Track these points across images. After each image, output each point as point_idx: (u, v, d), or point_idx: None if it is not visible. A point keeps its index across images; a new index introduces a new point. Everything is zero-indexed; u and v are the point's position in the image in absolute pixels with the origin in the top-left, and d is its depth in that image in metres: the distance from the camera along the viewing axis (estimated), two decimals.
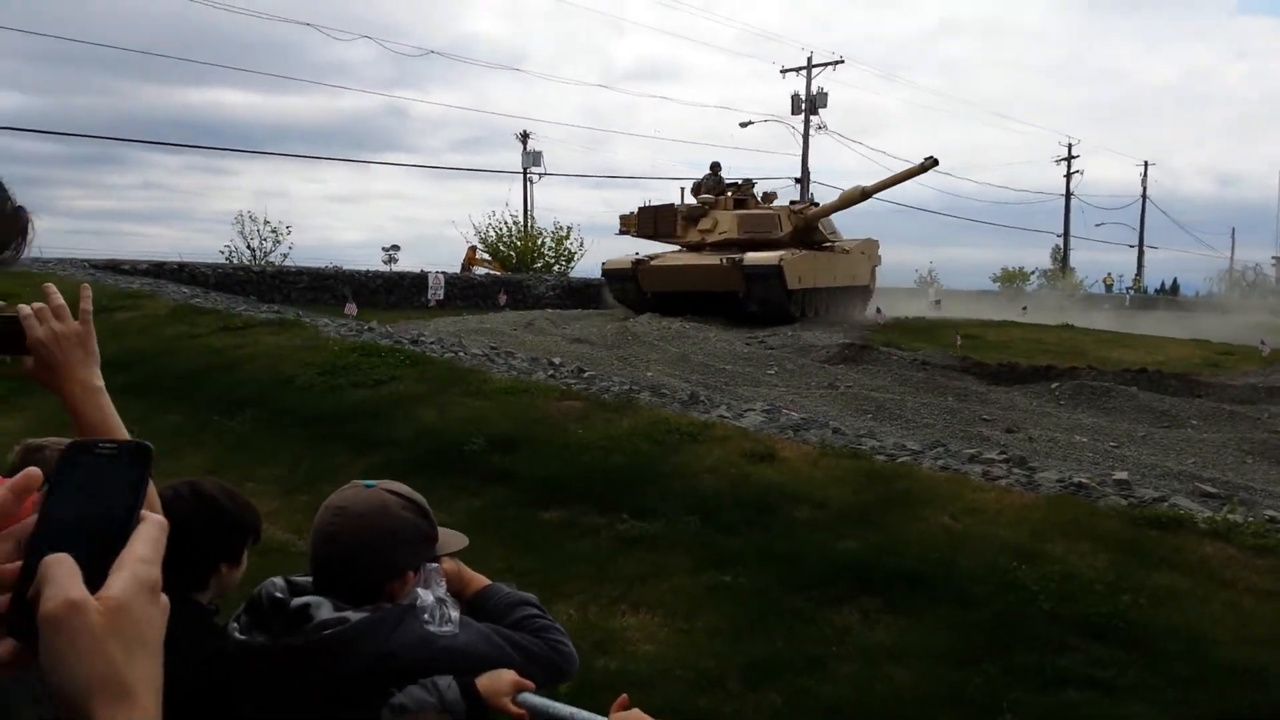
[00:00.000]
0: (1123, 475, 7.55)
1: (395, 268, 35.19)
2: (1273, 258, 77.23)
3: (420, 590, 1.96)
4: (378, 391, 8.78)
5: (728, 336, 17.12)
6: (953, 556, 5.14)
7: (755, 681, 4.31)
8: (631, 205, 25.01)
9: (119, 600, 0.69)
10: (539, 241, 37.98)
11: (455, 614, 1.95)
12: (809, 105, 41.77)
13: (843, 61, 42.60)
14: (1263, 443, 10.54)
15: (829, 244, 23.86)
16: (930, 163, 20.55)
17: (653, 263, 21.41)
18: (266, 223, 34.96)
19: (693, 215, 22.89)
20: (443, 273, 25.69)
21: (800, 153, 42.12)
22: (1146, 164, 61.99)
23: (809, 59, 42.15)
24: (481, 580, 2.16)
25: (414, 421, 7.92)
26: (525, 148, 45.50)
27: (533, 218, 42.95)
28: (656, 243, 23.85)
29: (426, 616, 1.91)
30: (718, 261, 20.67)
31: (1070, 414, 11.93)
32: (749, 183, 24.86)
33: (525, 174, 45.16)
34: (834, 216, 24.51)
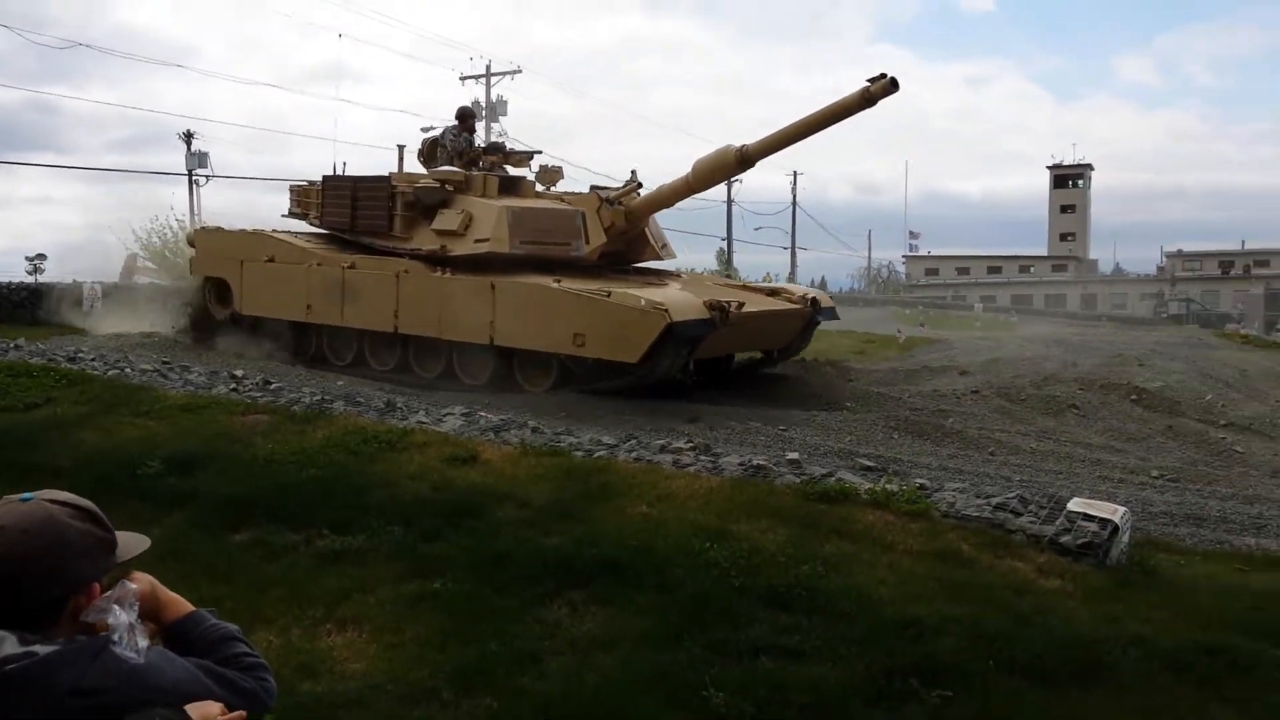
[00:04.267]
0: (794, 455, 8.20)
1: (42, 278, 31.80)
2: (903, 257, 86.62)
3: (115, 607, 1.83)
4: (30, 415, 7.92)
5: None
6: (651, 542, 5.37)
7: (469, 686, 4.29)
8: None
9: None
10: None
11: (144, 642, 1.84)
12: (489, 113, 41.99)
13: (521, 71, 43.23)
14: (905, 419, 11.78)
15: (654, 262, 14.94)
16: (883, 86, 11.25)
17: (744, 309, 12.19)
18: None
19: (426, 201, 13.39)
20: (99, 283, 23.48)
21: None
22: (795, 173, 67.18)
23: (488, 67, 42.40)
24: (182, 605, 2.02)
25: (76, 446, 7.21)
26: (190, 148, 42.49)
27: (201, 221, 40.22)
28: (354, 241, 14.54)
29: (116, 637, 1.78)
30: (794, 305, 13.65)
31: (744, 403, 12.76)
32: (508, 150, 15.10)
33: (191, 176, 42.18)
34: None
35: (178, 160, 44.05)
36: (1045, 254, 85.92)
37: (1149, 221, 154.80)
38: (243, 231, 15.61)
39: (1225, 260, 78.61)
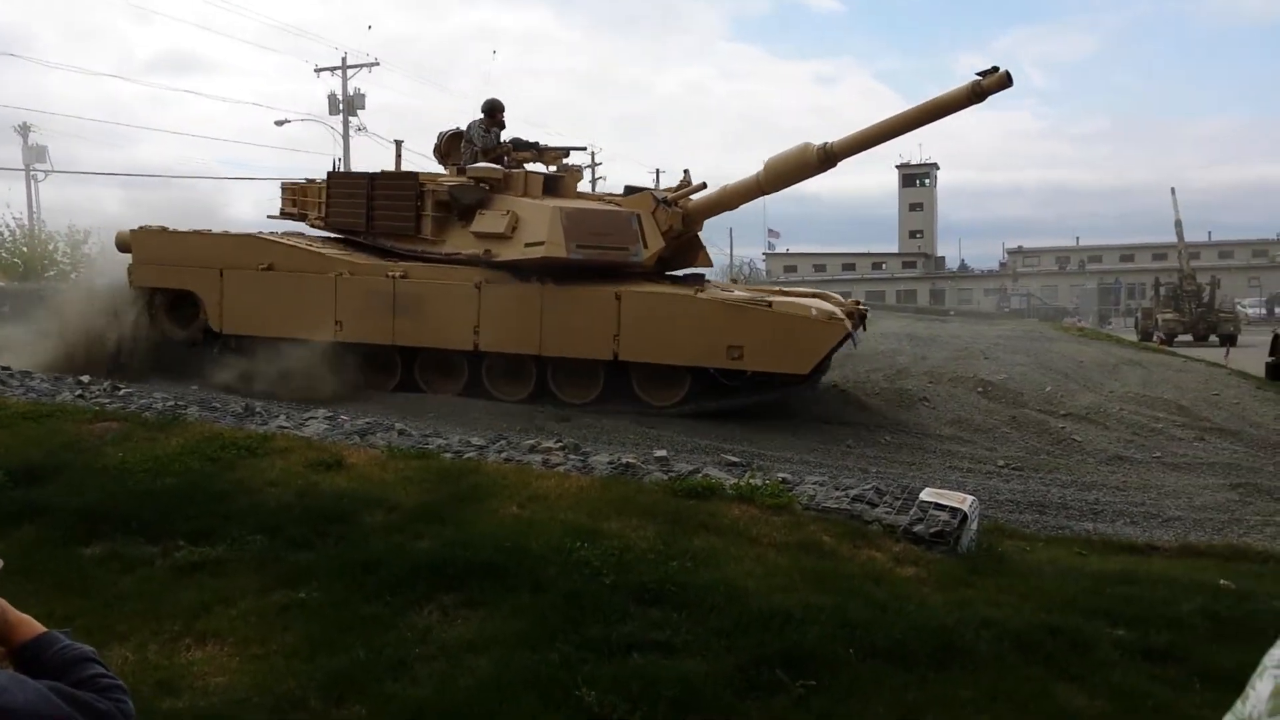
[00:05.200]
0: (662, 453, 8.33)
1: None
2: (763, 254, 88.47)
3: None
4: None
5: None
6: (523, 543, 5.38)
7: (338, 696, 4.22)
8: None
9: None
10: (50, 246, 33.85)
11: None
12: (347, 105, 41.04)
13: (379, 64, 42.43)
14: (768, 414, 12.10)
15: (702, 271, 14.07)
16: (998, 79, 10.63)
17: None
18: None
19: (464, 201, 12.33)
20: None
21: (342, 154, 41.32)
22: (658, 171, 67.67)
23: (344, 59, 41.43)
24: (33, 626, 1.95)
25: None
26: (26, 142, 40.22)
27: (41, 220, 38.16)
28: (364, 245, 13.32)
29: None
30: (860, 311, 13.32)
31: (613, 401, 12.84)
32: (542, 146, 13.46)
33: (28, 171, 39.94)
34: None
35: (12, 155, 41.79)
36: (896, 251, 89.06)
37: (990, 219, 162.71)
38: (217, 234, 13.50)
39: (1062, 256, 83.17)
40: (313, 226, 14.11)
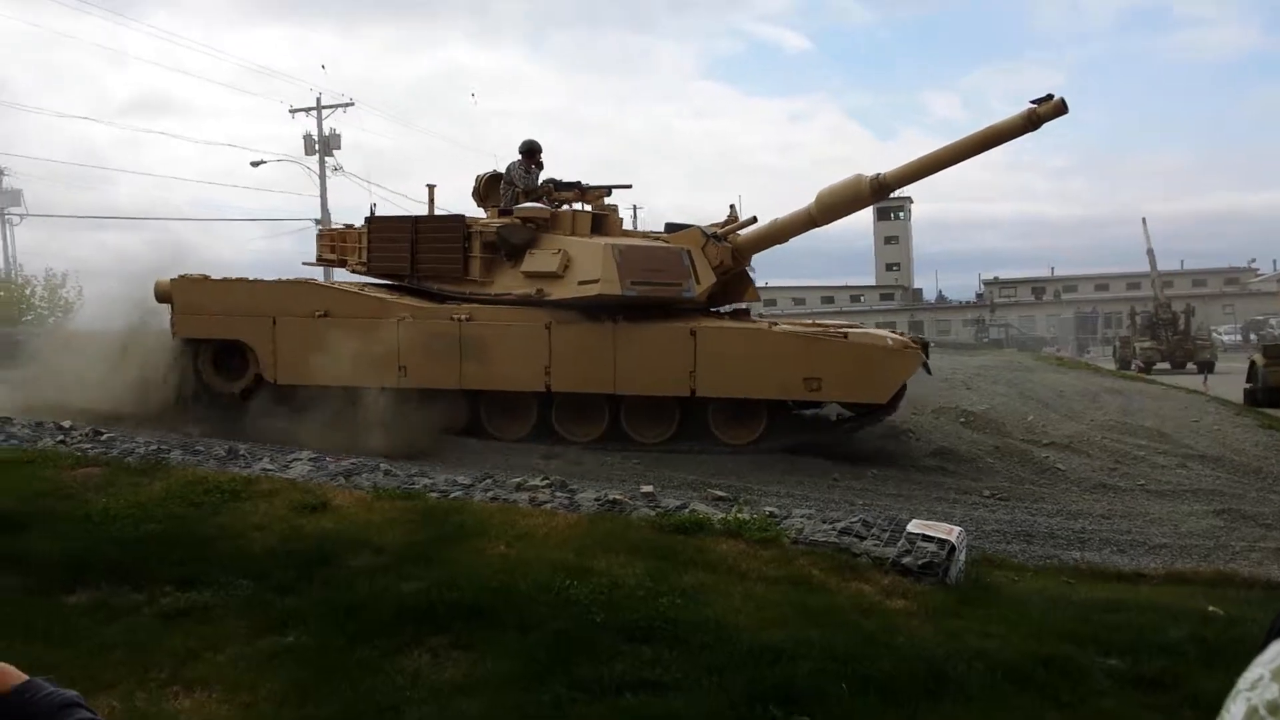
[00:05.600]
0: (649, 488, 8.34)
1: None
2: None
3: None
4: None
5: None
6: (511, 582, 5.36)
7: None
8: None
9: None
10: (27, 290, 33.66)
11: None
12: (322, 146, 41.19)
13: (353, 104, 42.69)
14: (752, 449, 12.11)
15: (747, 307, 14.22)
16: (1053, 107, 10.77)
17: None
18: None
19: (513, 242, 12.25)
20: None
21: (319, 194, 41.45)
22: (635, 207, 67.63)
23: (318, 99, 41.61)
24: (15, 675, 1.93)
25: None
26: (0, 185, 40.12)
27: (18, 264, 38.04)
28: (405, 287, 13.10)
29: None
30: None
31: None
32: (584, 186, 13.18)
33: (2, 215, 39.83)
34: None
35: None
36: (874, 284, 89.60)
37: (966, 250, 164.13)
38: (265, 280, 13.04)
39: (1038, 286, 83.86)
40: (353, 271, 13.95)
